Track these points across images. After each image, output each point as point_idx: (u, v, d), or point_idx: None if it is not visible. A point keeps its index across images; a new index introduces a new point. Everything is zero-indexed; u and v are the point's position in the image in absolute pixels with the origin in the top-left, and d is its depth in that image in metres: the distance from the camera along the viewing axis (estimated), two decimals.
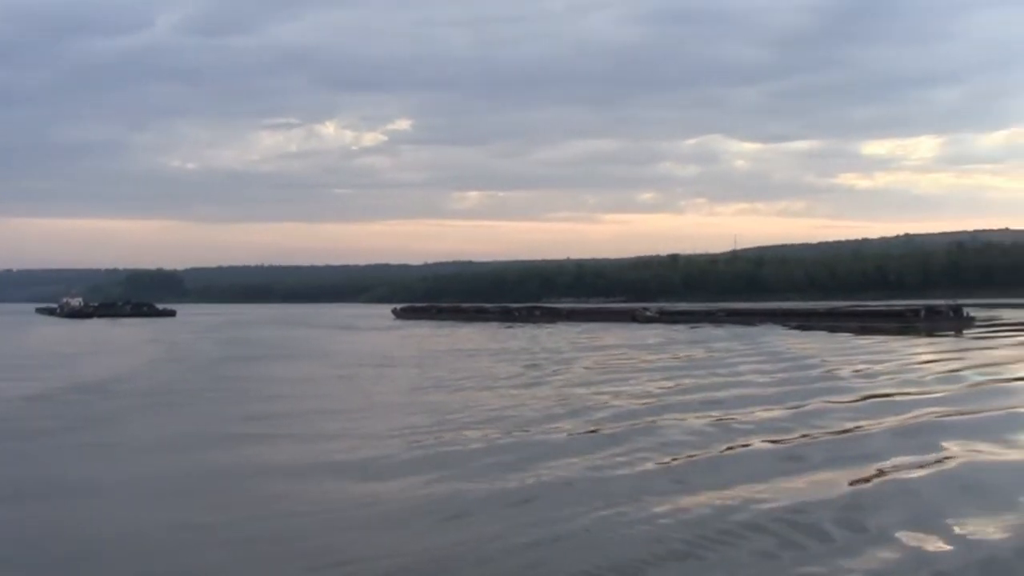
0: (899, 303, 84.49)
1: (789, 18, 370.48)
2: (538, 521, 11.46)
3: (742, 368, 32.35)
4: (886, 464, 14.29)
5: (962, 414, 19.75)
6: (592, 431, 18.43)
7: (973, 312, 70.69)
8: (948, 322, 64.41)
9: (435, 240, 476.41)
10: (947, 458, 14.71)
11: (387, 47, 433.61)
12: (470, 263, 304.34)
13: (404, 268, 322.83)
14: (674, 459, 15.29)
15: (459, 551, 10.39)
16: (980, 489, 12.73)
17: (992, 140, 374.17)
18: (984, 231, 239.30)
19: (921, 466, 14.12)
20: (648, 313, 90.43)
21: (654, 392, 25.22)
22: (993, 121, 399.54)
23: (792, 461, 14.99)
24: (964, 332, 55.64)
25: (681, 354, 41.08)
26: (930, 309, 69.99)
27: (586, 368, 34.50)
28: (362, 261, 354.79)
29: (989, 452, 15.38)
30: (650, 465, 14.82)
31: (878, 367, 31.50)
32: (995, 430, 17.32)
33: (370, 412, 22.69)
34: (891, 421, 18.72)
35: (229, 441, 18.48)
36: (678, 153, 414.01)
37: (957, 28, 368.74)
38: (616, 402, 22.96)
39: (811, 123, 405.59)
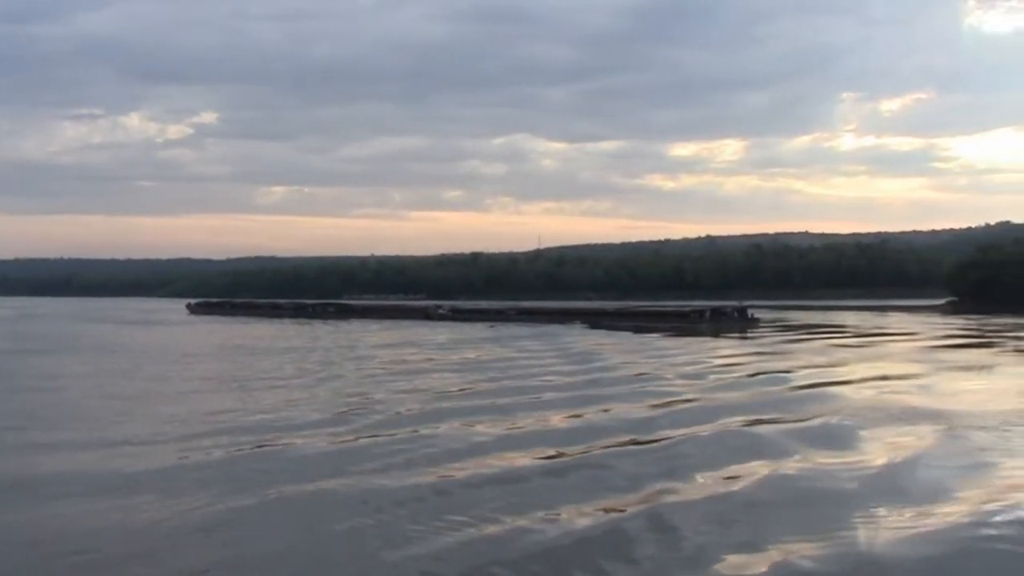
0: (697, 303, 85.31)
1: (598, 19, 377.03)
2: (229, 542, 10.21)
3: (533, 370, 31.19)
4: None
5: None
6: (353, 439, 16.78)
7: (762, 314, 71.69)
8: (733, 323, 65.22)
9: (239, 235, 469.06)
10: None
11: (196, 39, 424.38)
12: (273, 258, 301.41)
13: (206, 263, 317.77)
14: (437, 475, 13.52)
15: None
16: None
17: (796, 144, 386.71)
18: (785, 234, 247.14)
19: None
20: (441, 311, 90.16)
21: (432, 395, 23.60)
22: (797, 126, 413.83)
23: (554, 476, 13.49)
24: (748, 332, 55.54)
25: (469, 354, 39.97)
26: (715, 310, 70.69)
27: (368, 367, 33.09)
28: (164, 255, 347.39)
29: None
30: (402, 482, 13.00)
31: (687, 368, 30.83)
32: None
33: (125, 416, 20.52)
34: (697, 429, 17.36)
35: None
36: (485, 151, 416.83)
37: (764, 33, 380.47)
38: (387, 406, 21.44)
39: (618, 124, 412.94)
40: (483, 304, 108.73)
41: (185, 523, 11.00)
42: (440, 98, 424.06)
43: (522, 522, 10.76)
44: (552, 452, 15.14)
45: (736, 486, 12.50)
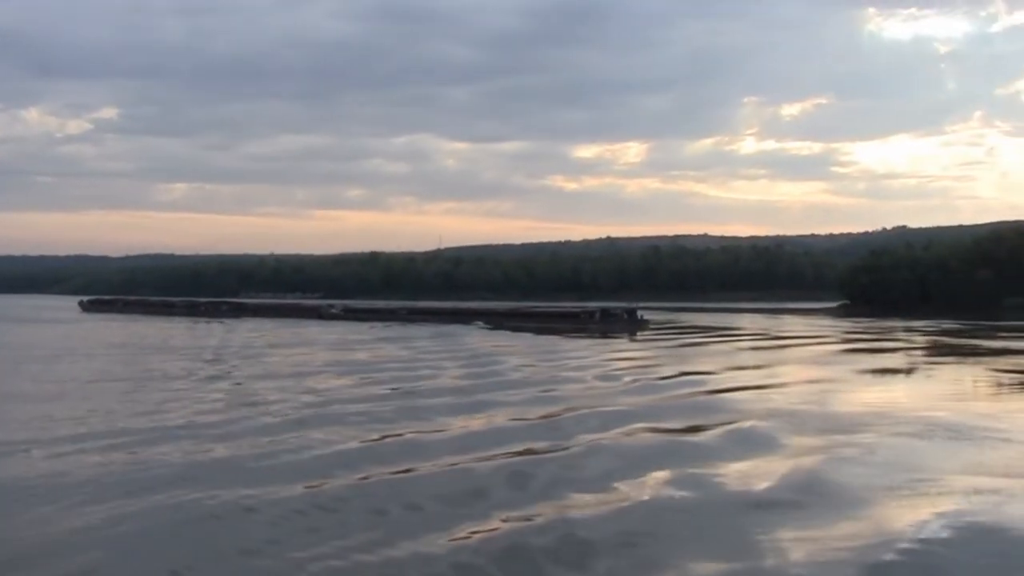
0: (592, 305, 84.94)
1: (502, 19, 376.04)
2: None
3: (423, 371, 30.88)
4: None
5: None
6: (213, 448, 15.75)
7: (655, 315, 72.02)
8: (622, 324, 65.44)
9: (138, 232, 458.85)
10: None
11: (97, 33, 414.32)
12: (172, 256, 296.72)
13: (103, 260, 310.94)
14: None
15: None
16: None
17: (698, 148, 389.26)
18: (684, 236, 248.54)
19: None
20: (333, 311, 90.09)
21: (311, 401, 22.51)
22: (700, 129, 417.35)
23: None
24: (637, 334, 55.50)
25: (360, 355, 39.35)
26: (605, 311, 70.61)
27: (250, 368, 32.34)
28: (61, 252, 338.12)
29: None
30: (262, 495, 12.21)
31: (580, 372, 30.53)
32: None
33: None
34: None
35: None
36: (388, 151, 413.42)
37: (667, 36, 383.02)
38: (261, 410, 20.66)
39: (522, 124, 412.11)
40: (377, 304, 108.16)
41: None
42: (343, 96, 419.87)
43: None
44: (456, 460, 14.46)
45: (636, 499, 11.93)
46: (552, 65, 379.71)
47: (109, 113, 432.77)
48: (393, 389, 25.03)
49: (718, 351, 41.12)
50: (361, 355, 38.89)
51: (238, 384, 27.12)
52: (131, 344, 47.13)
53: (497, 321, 70.48)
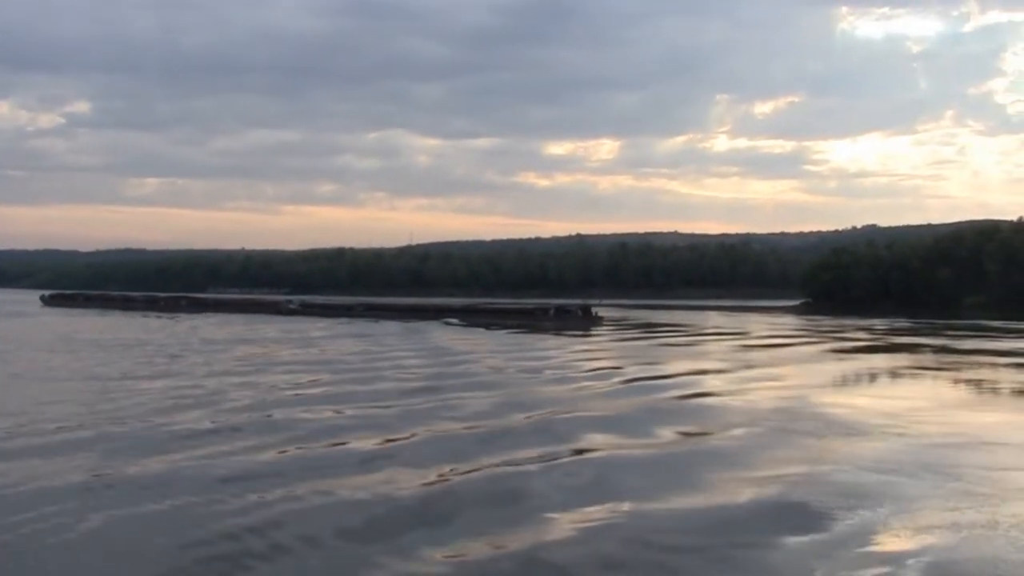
0: (555, 301, 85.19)
1: (475, 16, 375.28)
2: None
3: (383, 365, 30.89)
4: None
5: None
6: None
7: (618, 312, 72.23)
8: (576, 321, 65.35)
9: (108, 226, 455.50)
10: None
11: (69, 27, 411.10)
12: (142, 251, 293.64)
13: (72, 254, 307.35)
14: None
15: None
16: None
17: (670, 145, 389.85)
18: (653, 233, 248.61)
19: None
20: (292, 306, 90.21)
21: (248, 402, 21.38)
22: (672, 127, 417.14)
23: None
24: (592, 331, 55.44)
25: (313, 349, 39.54)
26: (560, 308, 70.93)
27: (200, 364, 31.49)
28: (31, 246, 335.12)
29: None
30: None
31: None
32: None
33: None
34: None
35: None
36: (359, 146, 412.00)
37: (639, 35, 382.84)
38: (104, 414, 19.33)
39: (494, 121, 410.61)
40: (335, 300, 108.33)
41: None
42: (315, 92, 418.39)
43: None
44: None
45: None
46: (526, 62, 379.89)
47: (81, 107, 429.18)
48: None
49: (659, 347, 41.33)
50: (316, 350, 39.02)
51: (203, 375, 27.21)
52: (72, 339, 46.67)
53: (463, 317, 70.67)
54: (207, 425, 17.48)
